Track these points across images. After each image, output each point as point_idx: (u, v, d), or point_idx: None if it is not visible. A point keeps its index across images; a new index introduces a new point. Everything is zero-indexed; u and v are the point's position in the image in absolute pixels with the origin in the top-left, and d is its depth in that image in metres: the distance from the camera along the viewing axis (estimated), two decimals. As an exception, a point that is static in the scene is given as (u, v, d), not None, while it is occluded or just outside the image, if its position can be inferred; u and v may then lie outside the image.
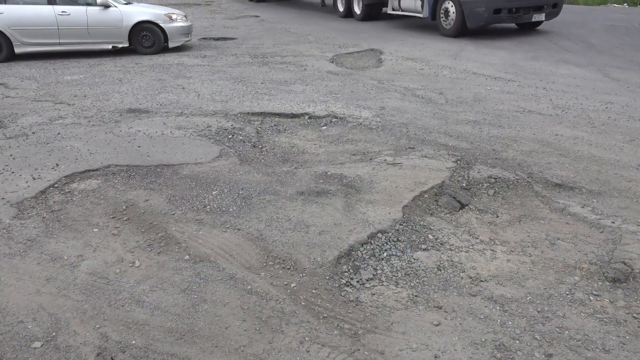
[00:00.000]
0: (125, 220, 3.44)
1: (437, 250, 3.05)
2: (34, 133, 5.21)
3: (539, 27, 11.58)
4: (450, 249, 3.06)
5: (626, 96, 6.09)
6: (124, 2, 10.22)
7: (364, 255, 2.98)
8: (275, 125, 5.36)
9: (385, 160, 4.29)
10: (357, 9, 14.09)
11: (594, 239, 3.11)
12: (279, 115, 5.69)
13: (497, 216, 3.45)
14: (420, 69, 8.01)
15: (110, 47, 9.83)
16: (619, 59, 8.29)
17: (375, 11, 13.82)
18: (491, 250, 3.05)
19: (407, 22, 14.07)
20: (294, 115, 5.65)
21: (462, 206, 3.57)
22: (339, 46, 10.37)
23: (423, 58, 8.86)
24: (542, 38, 10.77)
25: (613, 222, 3.25)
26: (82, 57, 9.68)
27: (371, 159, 4.34)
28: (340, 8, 15.16)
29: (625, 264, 2.80)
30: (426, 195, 3.66)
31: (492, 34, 11.07)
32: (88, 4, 9.50)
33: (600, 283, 2.71)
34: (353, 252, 3.00)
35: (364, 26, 13.47)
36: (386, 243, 3.08)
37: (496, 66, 8.04)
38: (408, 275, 2.82)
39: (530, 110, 5.62)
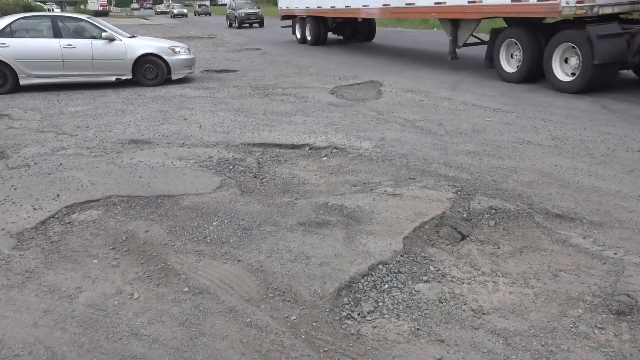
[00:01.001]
0: (125, 251, 3.42)
1: (439, 282, 3.02)
2: (36, 164, 5.24)
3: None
4: (452, 281, 3.03)
5: (624, 127, 6.14)
6: (129, 35, 10.43)
7: (364, 287, 2.95)
8: (276, 156, 5.39)
9: (385, 191, 4.29)
10: (560, 74, 8.28)
11: (597, 270, 3.09)
12: (280, 146, 5.73)
13: (499, 247, 3.43)
14: (420, 100, 8.11)
15: (114, 79, 9.98)
16: (616, 91, 8.38)
17: (608, 74, 8.11)
18: (493, 282, 3.02)
19: (406, 55, 14.29)
20: (294, 146, 5.69)
21: (463, 237, 3.56)
22: (339, 78, 10.52)
23: (422, 90, 8.98)
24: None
25: (615, 254, 3.23)
26: (85, 89, 9.81)
27: (371, 190, 4.34)
28: (507, 67, 9.41)
29: (629, 296, 2.77)
30: (427, 226, 3.65)
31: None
32: (93, 38, 9.71)
33: (604, 316, 2.67)
34: (354, 284, 2.97)
35: (364, 59, 13.67)
36: (387, 275, 3.06)
37: (495, 98, 8.14)
38: (409, 307, 2.78)
39: (530, 141, 5.66)
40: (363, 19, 16.01)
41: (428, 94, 8.62)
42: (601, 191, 4.21)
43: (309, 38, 18.11)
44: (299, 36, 19.16)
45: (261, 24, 32.40)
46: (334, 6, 15.52)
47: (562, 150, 5.31)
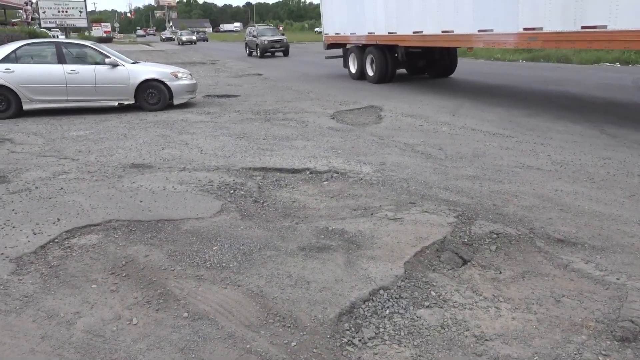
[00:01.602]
0: (125, 276, 3.40)
1: (440, 307, 2.99)
2: (37, 188, 5.25)
3: (535, 85, 11.60)
4: (454, 306, 3.00)
5: (623, 152, 6.16)
6: (132, 61, 10.57)
7: (365, 313, 2.92)
8: (276, 181, 5.40)
9: (386, 215, 4.29)
10: None
11: (600, 296, 3.06)
12: (281, 170, 5.74)
13: (500, 272, 3.41)
14: (420, 125, 8.16)
15: (116, 104, 10.08)
16: (614, 116, 8.44)
17: None
18: (495, 307, 2.99)
19: (405, 81, 14.46)
20: (295, 171, 5.70)
21: (465, 262, 3.54)
22: (339, 103, 10.61)
23: (422, 114, 9.05)
24: (538, 95, 11.03)
25: (618, 279, 3.21)
26: (88, 114, 9.89)
27: (372, 214, 4.34)
28: None
29: (633, 322, 2.74)
30: (428, 251, 3.63)
31: (490, 92, 11.34)
32: (97, 63, 9.84)
33: (608, 342, 2.64)
34: (355, 310, 2.94)
35: (364, 84, 13.81)
36: (388, 300, 3.03)
37: (494, 122, 8.19)
38: (411, 333, 2.75)
39: (530, 166, 5.68)
40: (441, 47, 12.14)
41: (428, 118, 8.68)
42: (602, 216, 4.20)
43: (370, 74, 13.64)
44: (353, 70, 14.67)
45: (286, 53, 29.50)
46: (420, 32, 11.31)
47: (562, 175, 5.32)
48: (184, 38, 57.46)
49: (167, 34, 79.76)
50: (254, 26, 32.39)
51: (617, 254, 3.53)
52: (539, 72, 15.79)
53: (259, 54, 28.99)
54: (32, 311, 3.00)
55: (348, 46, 15.09)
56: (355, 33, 14.04)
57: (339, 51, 16.08)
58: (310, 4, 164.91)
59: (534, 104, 9.98)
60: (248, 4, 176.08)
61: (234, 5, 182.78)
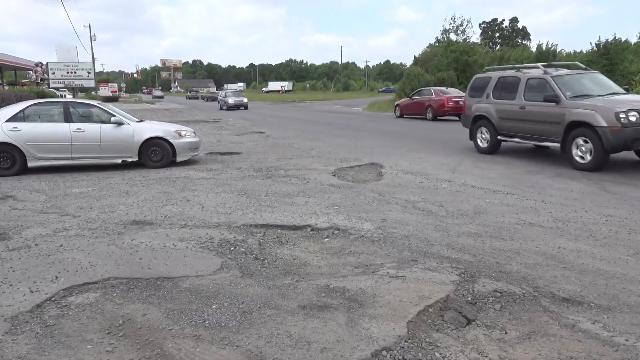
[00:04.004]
0: (121, 335, 3.32)
1: (445, 369, 2.90)
2: (36, 245, 5.22)
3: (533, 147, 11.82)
4: (459, 369, 2.91)
5: (625, 209, 6.16)
6: (137, 120, 10.80)
7: (368, 376, 2.83)
8: (277, 237, 5.38)
9: (388, 273, 4.24)
10: None
11: (609, 358, 2.97)
12: (282, 227, 5.73)
13: (506, 332, 3.32)
14: (420, 182, 8.21)
15: (120, 161, 10.20)
16: (613, 174, 8.51)
17: None
18: (502, 370, 2.90)
19: (405, 138, 14.69)
20: (296, 227, 5.69)
21: (469, 321, 3.46)
22: (340, 160, 10.73)
23: (422, 172, 9.13)
24: (536, 154, 11.17)
25: (627, 340, 3.12)
26: (91, 171, 9.99)
27: (374, 272, 4.29)
28: None
29: (645, 385, 2.65)
30: (431, 310, 3.56)
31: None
32: (102, 122, 10.05)
33: (621, 407, 2.53)
34: (357, 372, 2.85)
35: (365, 141, 14.03)
36: (391, 362, 2.94)
37: (494, 180, 8.25)
38: (415, 398, 2.65)
39: (531, 223, 5.66)
40: None
41: (428, 175, 8.75)
42: (607, 274, 4.15)
43: None
44: None
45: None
46: None
47: (564, 232, 5.30)
48: (230, 101, 38.58)
49: (203, 91, 61.31)
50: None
51: (624, 314, 3.46)
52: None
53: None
54: (24, 373, 2.91)
55: None
56: None
57: None
58: (312, 65, 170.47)
59: (533, 162, 10.09)
60: (251, 65, 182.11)
61: (237, 66, 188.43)
